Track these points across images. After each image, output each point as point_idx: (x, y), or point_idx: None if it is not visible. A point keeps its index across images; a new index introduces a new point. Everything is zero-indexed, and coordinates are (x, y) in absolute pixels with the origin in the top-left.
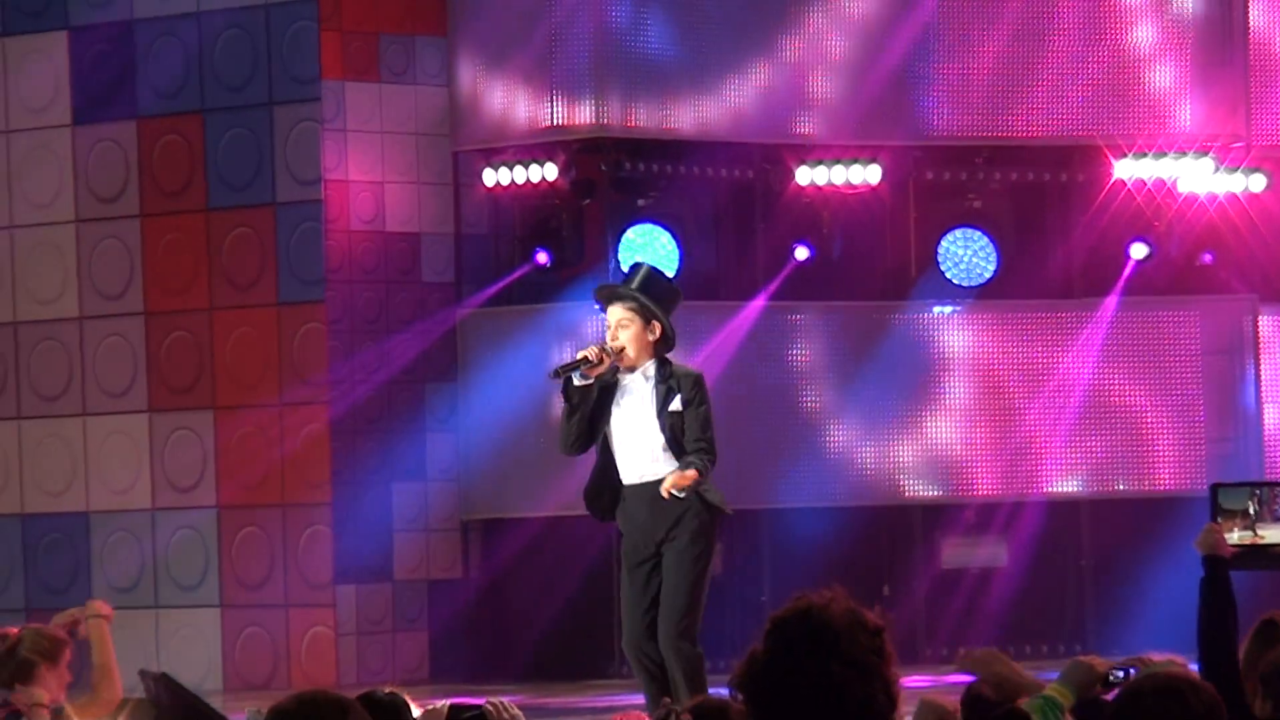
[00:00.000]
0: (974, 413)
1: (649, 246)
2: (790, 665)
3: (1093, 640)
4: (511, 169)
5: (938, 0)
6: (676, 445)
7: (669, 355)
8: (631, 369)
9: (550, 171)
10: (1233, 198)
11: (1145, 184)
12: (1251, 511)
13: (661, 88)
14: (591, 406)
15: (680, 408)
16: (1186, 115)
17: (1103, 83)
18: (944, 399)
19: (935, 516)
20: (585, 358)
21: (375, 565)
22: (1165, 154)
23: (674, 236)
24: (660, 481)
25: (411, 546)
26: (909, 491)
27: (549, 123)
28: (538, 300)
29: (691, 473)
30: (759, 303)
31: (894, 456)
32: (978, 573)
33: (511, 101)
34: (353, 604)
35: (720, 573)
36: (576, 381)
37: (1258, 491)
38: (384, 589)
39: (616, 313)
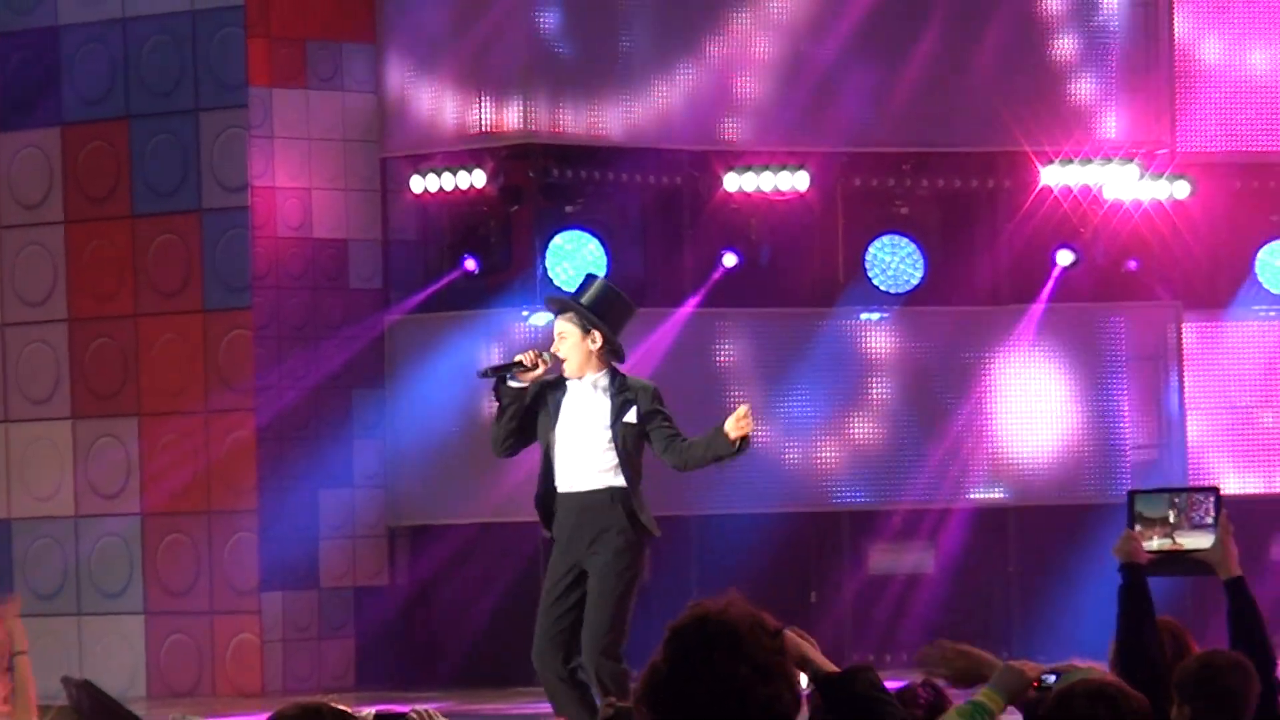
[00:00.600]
0: (901, 419)
1: (577, 253)
2: (692, 672)
3: (1019, 646)
4: (440, 175)
5: (866, 8)
6: (625, 457)
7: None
8: (577, 378)
9: (478, 178)
10: (1157, 205)
11: (1071, 191)
12: (1171, 519)
13: (590, 95)
14: (524, 410)
15: (636, 420)
16: (1112, 123)
17: (1029, 90)
18: (871, 405)
19: (863, 522)
20: (520, 361)
21: (301, 572)
22: (1091, 161)
23: (602, 243)
24: (597, 492)
25: (338, 553)
26: (836, 498)
27: (477, 129)
28: (466, 306)
29: (741, 412)
30: (687, 309)
31: (822, 463)
32: (905, 579)
33: (439, 108)
34: (279, 611)
35: (648, 580)
36: (510, 383)
37: (1176, 499)
38: (310, 596)
39: (558, 324)
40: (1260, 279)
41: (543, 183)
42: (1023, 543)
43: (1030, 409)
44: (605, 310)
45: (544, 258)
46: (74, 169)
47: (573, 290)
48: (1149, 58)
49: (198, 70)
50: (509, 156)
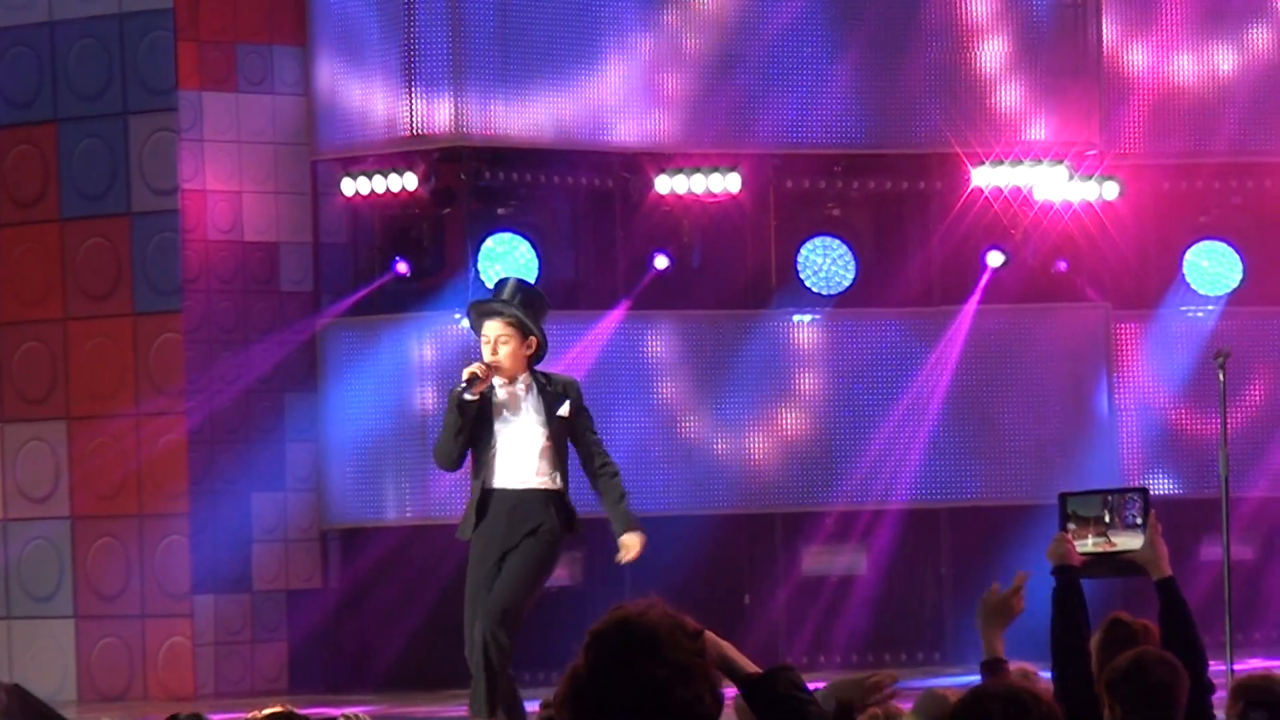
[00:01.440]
0: (833, 420)
1: (509, 255)
2: (612, 675)
3: (951, 648)
4: (370, 178)
5: (797, 9)
6: (558, 450)
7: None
8: (510, 381)
9: (410, 180)
10: (1087, 206)
11: (1001, 192)
12: (1105, 520)
13: (521, 97)
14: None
15: (568, 413)
16: (1041, 124)
17: (960, 92)
18: (804, 407)
19: (796, 524)
20: (474, 374)
21: (234, 575)
22: (1021, 162)
23: (533, 245)
24: (532, 492)
25: (270, 556)
26: (769, 499)
27: (408, 132)
28: (397, 309)
29: (637, 538)
30: (619, 312)
31: (754, 464)
32: (838, 580)
33: (370, 111)
34: (211, 614)
35: (581, 581)
36: (468, 397)
37: (1109, 499)
38: (242, 599)
39: (495, 328)
40: (1188, 280)
41: (474, 185)
42: (955, 544)
43: (961, 410)
44: (535, 311)
45: (476, 260)
46: (1, 173)
47: (491, 293)
48: (1078, 60)
49: (126, 73)
50: (440, 159)
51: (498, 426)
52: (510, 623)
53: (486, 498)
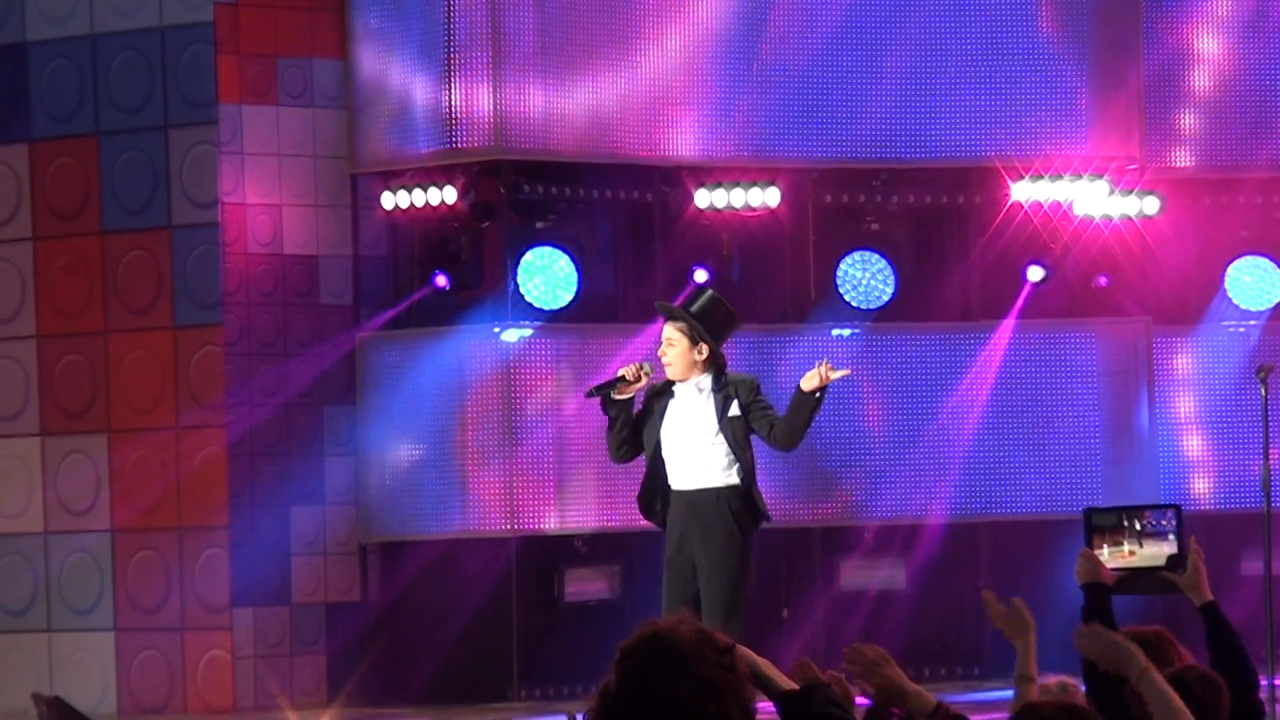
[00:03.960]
0: (873, 435)
1: (548, 269)
2: (642, 691)
3: (990, 663)
4: (410, 192)
5: (837, 22)
6: (734, 447)
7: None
8: (680, 382)
9: (449, 194)
10: (1127, 221)
11: (1041, 207)
12: (1132, 531)
13: (560, 110)
14: (635, 417)
15: (739, 412)
16: (1082, 138)
17: (999, 105)
18: (843, 421)
19: (834, 539)
20: (623, 376)
21: (273, 588)
22: (1061, 177)
23: (573, 259)
24: (704, 491)
25: (309, 569)
26: (808, 513)
27: (447, 145)
28: (436, 323)
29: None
30: (658, 326)
31: (793, 479)
32: (876, 595)
33: (410, 124)
34: (250, 627)
35: (620, 595)
36: (615, 396)
37: (1132, 515)
38: (281, 612)
39: (667, 330)
40: (1230, 294)
41: (513, 199)
42: (994, 558)
43: (1001, 425)
44: (713, 322)
45: (515, 274)
46: (42, 186)
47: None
48: (1119, 74)
49: (167, 87)
50: (480, 173)
51: (666, 428)
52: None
53: (660, 496)
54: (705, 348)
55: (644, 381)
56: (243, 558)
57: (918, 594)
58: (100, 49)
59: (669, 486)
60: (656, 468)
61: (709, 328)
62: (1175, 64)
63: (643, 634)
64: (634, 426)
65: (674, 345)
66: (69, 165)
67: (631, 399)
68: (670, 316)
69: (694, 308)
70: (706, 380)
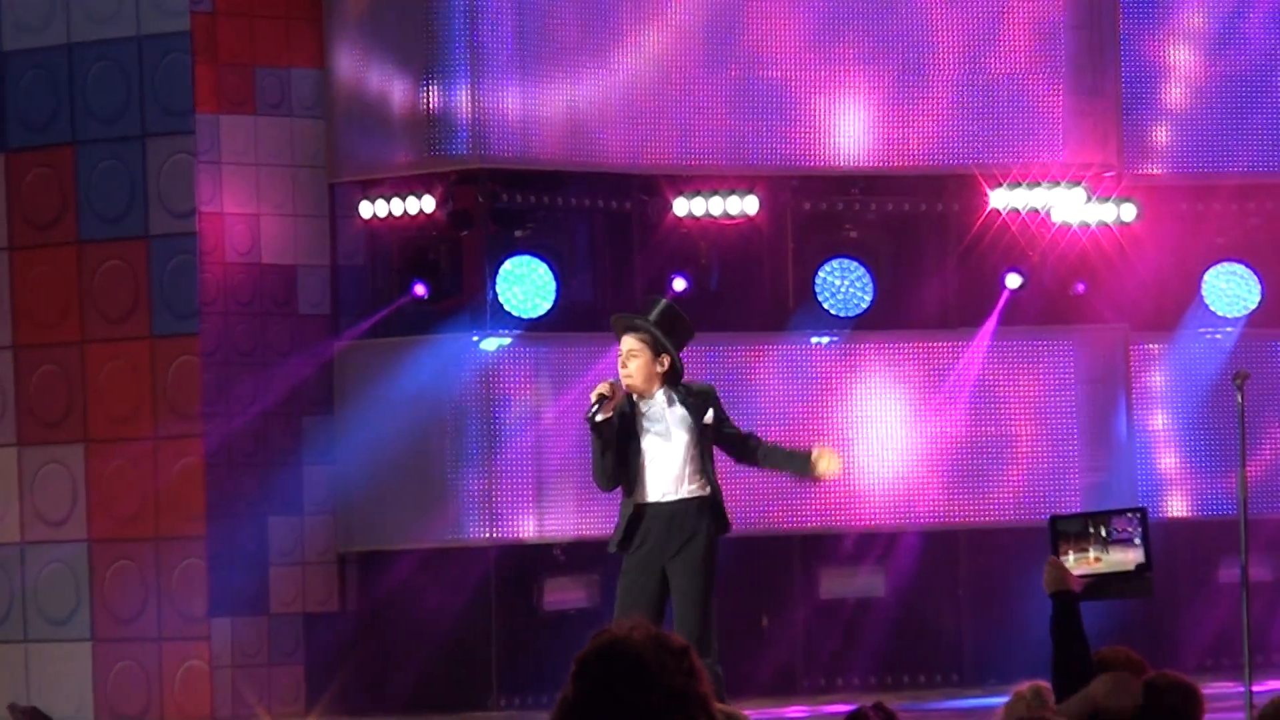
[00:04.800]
0: (851, 442)
1: (526, 278)
2: (601, 701)
3: (969, 670)
4: (389, 201)
5: (814, 30)
6: (704, 457)
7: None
8: (643, 396)
9: (427, 203)
10: (1105, 228)
11: (1019, 214)
12: (1098, 538)
13: (538, 119)
14: (617, 438)
15: (712, 420)
16: (1059, 146)
17: (978, 113)
18: (821, 429)
19: (814, 546)
20: (601, 394)
21: (251, 598)
22: (1039, 184)
23: (551, 268)
24: (685, 501)
25: (288, 579)
26: (787, 521)
27: (426, 155)
28: (415, 332)
29: (826, 452)
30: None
31: (772, 486)
32: (856, 602)
33: (388, 134)
34: (228, 637)
35: (598, 603)
36: (598, 418)
37: (1097, 521)
38: (260, 622)
39: (628, 342)
40: (1207, 301)
41: (492, 208)
42: (973, 566)
43: (979, 432)
44: (673, 331)
45: (494, 283)
46: (19, 195)
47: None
48: (1096, 82)
49: (144, 96)
50: (458, 182)
51: (644, 443)
52: (706, 649)
53: (640, 512)
54: (667, 358)
55: (619, 396)
56: (221, 568)
57: (897, 601)
58: (77, 58)
59: (645, 505)
60: (640, 489)
61: (670, 337)
62: (1152, 71)
63: (599, 642)
64: (621, 451)
65: (637, 356)
66: (45, 175)
67: (613, 417)
68: (630, 328)
69: (652, 318)
70: (669, 391)
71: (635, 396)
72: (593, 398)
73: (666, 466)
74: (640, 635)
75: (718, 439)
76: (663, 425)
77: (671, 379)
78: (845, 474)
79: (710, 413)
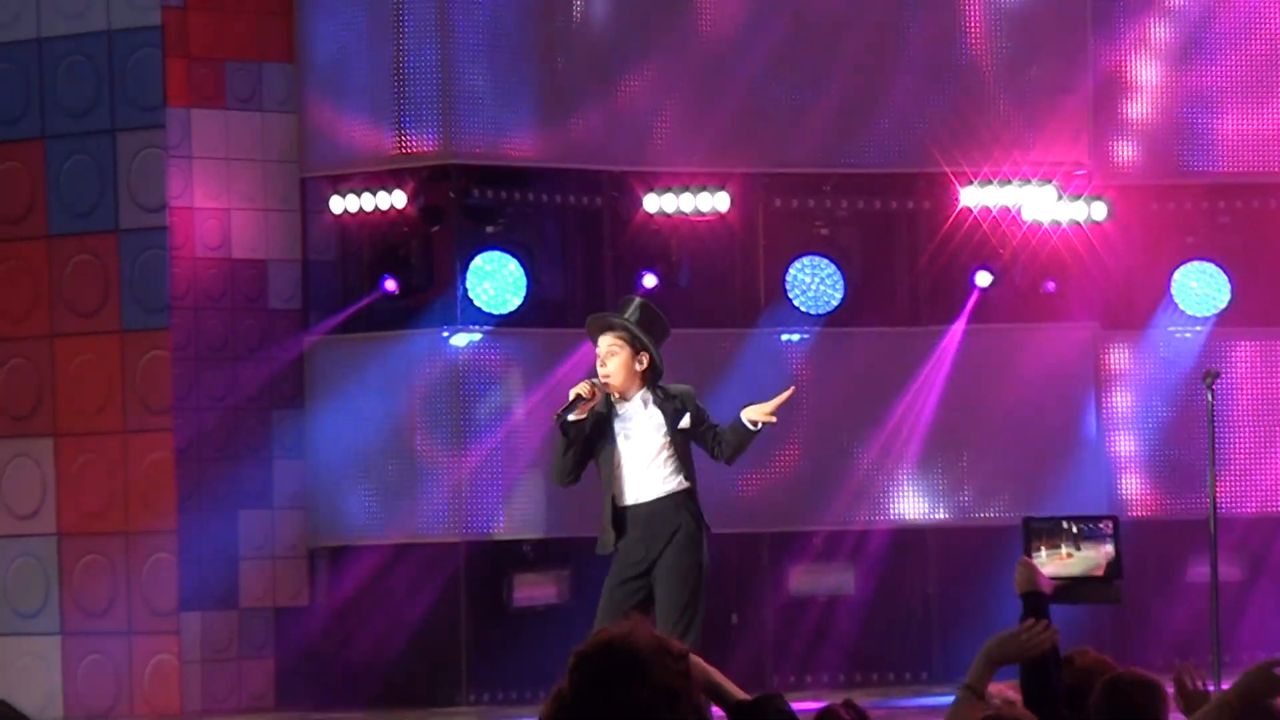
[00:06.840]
0: (821, 440)
1: (497, 273)
2: (598, 697)
3: (939, 667)
4: (359, 196)
5: (785, 28)
6: (681, 455)
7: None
8: (624, 398)
9: (398, 199)
10: (1075, 226)
11: (990, 212)
12: (1070, 538)
13: (509, 115)
14: (585, 439)
15: (690, 424)
16: (1030, 144)
17: (948, 111)
18: (791, 426)
19: (783, 544)
20: (579, 395)
21: (221, 592)
22: (1009, 182)
23: (522, 264)
24: (663, 499)
25: (258, 574)
26: (756, 519)
27: (397, 150)
28: (385, 327)
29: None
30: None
31: (742, 484)
32: (825, 600)
33: (359, 129)
34: (197, 631)
35: (569, 599)
36: (572, 418)
37: (1071, 525)
38: (230, 616)
39: (605, 341)
40: (1176, 300)
41: (463, 203)
42: (943, 564)
43: (949, 430)
44: (651, 331)
45: (464, 278)
46: None
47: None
48: (1067, 80)
49: (114, 90)
50: (429, 177)
51: (620, 443)
52: (689, 639)
53: (622, 513)
54: (646, 357)
55: (598, 397)
56: (190, 562)
57: (867, 599)
58: (47, 52)
59: (625, 507)
60: (619, 490)
61: (648, 334)
62: (1123, 70)
63: (598, 639)
64: (585, 452)
65: (616, 355)
66: (15, 169)
67: (586, 419)
68: (607, 327)
69: (630, 316)
70: (648, 393)
71: (613, 398)
72: (570, 395)
73: (642, 469)
74: (641, 635)
75: (696, 440)
76: (640, 427)
77: (651, 378)
78: (815, 471)
79: (687, 417)
